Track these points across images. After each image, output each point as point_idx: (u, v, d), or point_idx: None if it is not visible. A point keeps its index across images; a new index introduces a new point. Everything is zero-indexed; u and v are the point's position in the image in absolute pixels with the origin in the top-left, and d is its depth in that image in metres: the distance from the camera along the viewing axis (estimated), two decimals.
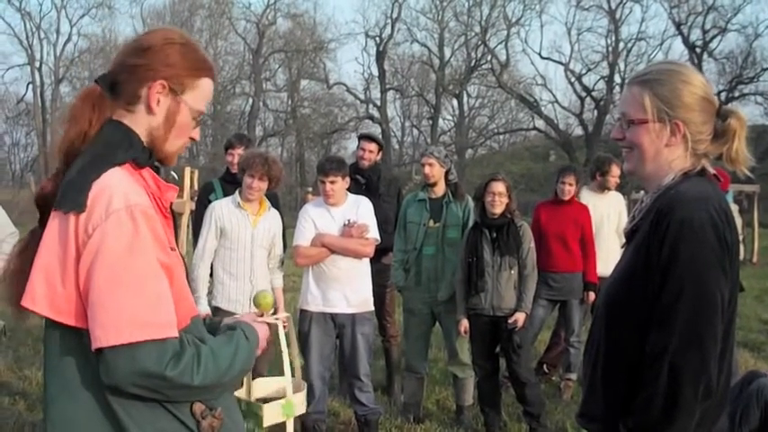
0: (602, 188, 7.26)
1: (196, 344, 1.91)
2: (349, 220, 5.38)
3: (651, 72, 2.25)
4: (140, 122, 2.02)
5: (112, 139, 1.96)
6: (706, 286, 2.01)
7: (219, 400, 2.02)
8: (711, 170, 2.22)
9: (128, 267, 1.80)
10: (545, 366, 7.58)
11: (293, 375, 3.63)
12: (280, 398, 3.53)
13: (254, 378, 3.85)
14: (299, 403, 3.36)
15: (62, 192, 1.89)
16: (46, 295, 1.87)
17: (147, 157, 2.03)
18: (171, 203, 2.10)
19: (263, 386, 3.92)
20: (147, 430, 1.88)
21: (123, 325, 1.77)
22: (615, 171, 7.16)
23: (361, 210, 5.44)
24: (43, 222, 1.97)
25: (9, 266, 2.00)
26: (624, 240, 2.31)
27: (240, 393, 3.58)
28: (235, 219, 5.33)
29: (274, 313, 3.20)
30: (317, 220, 5.41)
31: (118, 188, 1.87)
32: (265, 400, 3.70)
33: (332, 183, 5.33)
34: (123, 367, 1.77)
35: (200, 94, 2.07)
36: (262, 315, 2.72)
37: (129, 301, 1.79)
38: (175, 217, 2.15)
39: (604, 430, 2.21)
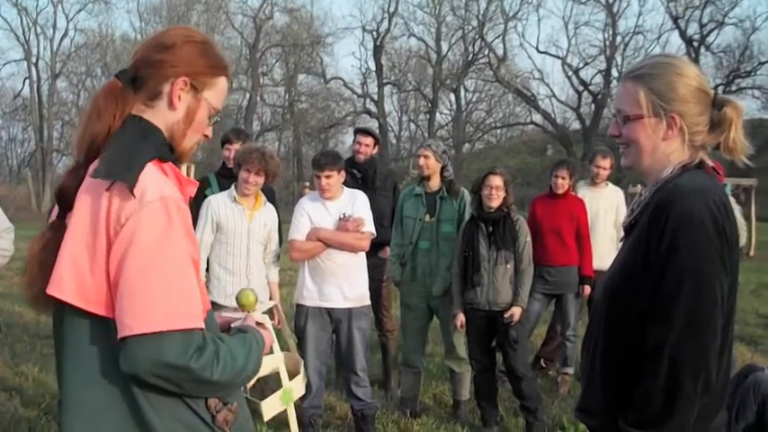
0: (593, 181, 7.28)
1: (215, 340, 1.92)
2: (345, 214, 5.36)
3: (644, 66, 2.23)
4: (160, 118, 2.04)
5: (139, 136, 1.98)
6: (705, 279, 2.00)
7: (232, 396, 2.04)
8: (710, 163, 2.21)
9: (161, 257, 1.82)
10: (542, 361, 7.58)
11: (288, 350, 3.60)
12: (276, 382, 3.50)
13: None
14: (296, 387, 3.32)
15: (107, 163, 1.88)
16: (74, 283, 1.88)
17: (169, 151, 2.06)
18: (190, 198, 2.13)
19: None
20: (166, 418, 1.89)
21: (154, 313, 1.79)
22: (600, 162, 7.18)
23: (356, 203, 5.42)
24: (63, 216, 1.98)
25: (32, 262, 1.99)
26: (622, 234, 2.30)
27: None
28: (231, 213, 5.31)
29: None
30: (313, 214, 5.39)
31: (152, 181, 1.89)
32: (263, 380, 3.69)
33: (327, 177, 5.31)
34: (147, 356, 1.78)
35: (218, 92, 2.12)
36: (248, 313, 2.69)
37: (160, 290, 1.80)
38: (193, 211, 2.17)
39: (603, 424, 2.20)
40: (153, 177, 1.90)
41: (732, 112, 2.18)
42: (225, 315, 2.46)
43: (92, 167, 1.95)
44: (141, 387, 1.86)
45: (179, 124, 2.06)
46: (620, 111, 2.24)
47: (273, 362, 3.27)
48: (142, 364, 1.79)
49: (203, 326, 1.88)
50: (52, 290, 1.90)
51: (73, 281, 1.88)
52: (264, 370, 3.75)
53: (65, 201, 1.99)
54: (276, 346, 3.17)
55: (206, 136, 2.16)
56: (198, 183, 2.20)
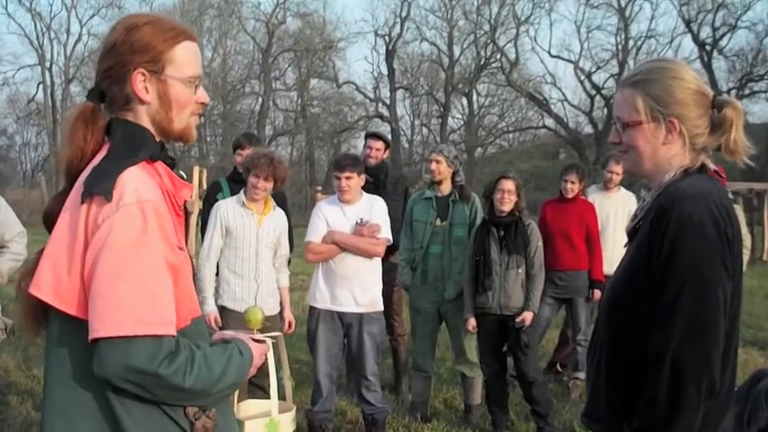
0: (606, 186, 7.27)
1: (191, 347, 1.91)
2: (362, 219, 5.36)
3: (641, 72, 2.23)
4: (142, 116, 2.03)
5: (127, 139, 1.99)
6: (707, 283, 1.98)
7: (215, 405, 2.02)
8: (712, 166, 2.20)
9: (132, 262, 1.82)
10: (558, 365, 7.56)
11: (284, 399, 3.57)
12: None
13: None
14: (285, 423, 3.29)
15: (88, 181, 1.89)
16: (51, 283, 1.89)
17: (159, 149, 2.05)
18: (185, 201, 2.12)
19: (249, 407, 3.84)
20: (143, 425, 1.89)
21: (122, 318, 1.78)
22: (614, 167, 7.16)
23: (374, 209, 5.42)
24: None
25: (22, 283, 2.01)
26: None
27: None
28: (240, 218, 5.32)
29: (278, 322, 3.15)
30: (330, 217, 5.40)
31: (131, 184, 1.88)
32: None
33: (347, 179, 5.32)
34: (116, 360, 1.78)
35: (183, 60, 2.04)
36: (253, 332, 2.67)
37: (129, 294, 1.80)
38: (187, 215, 2.14)
39: (609, 431, 2.19)
40: (134, 181, 1.90)
41: (732, 112, 2.16)
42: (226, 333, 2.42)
43: (74, 189, 1.96)
44: (116, 393, 1.86)
45: (159, 113, 2.03)
46: (618, 118, 2.24)
47: (266, 406, 3.23)
48: (112, 368, 1.79)
49: (174, 332, 1.87)
50: (32, 289, 1.92)
51: (50, 280, 1.90)
52: (256, 412, 3.70)
53: (51, 224, 1.99)
54: (273, 389, 3.14)
55: (202, 104, 2.11)
56: (192, 186, 2.19)
